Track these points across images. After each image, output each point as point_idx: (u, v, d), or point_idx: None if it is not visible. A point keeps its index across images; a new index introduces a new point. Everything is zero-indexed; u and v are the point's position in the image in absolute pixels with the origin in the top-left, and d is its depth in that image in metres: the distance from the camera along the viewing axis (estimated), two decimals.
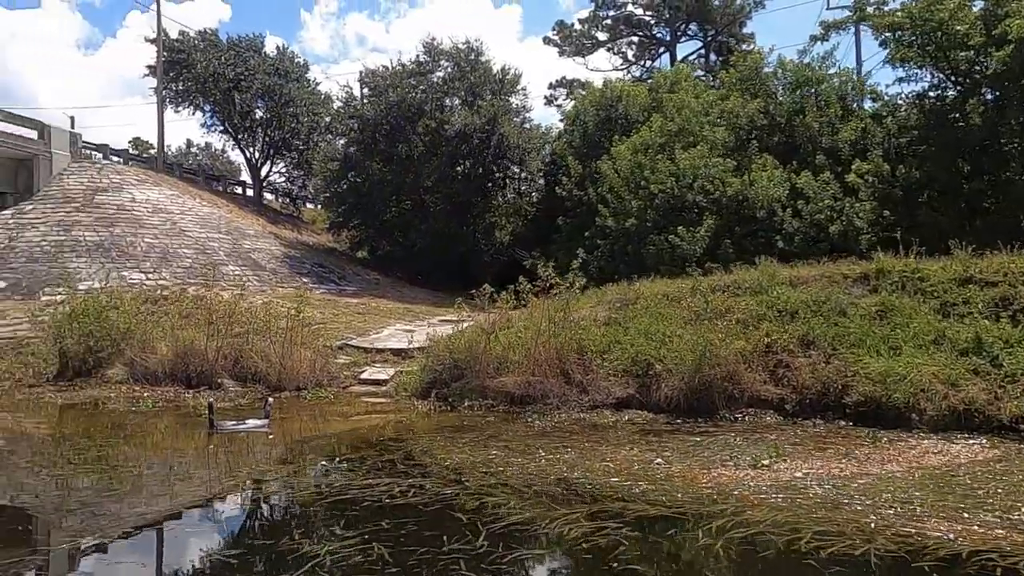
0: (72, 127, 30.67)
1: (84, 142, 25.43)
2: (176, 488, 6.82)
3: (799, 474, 6.00)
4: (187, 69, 30.34)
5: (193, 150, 56.00)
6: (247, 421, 8.69)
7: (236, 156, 56.58)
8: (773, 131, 20.57)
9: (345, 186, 27.14)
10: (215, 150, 60.98)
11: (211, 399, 9.02)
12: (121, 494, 6.56)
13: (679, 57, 37.23)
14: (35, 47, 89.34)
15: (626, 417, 8.94)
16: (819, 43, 21.38)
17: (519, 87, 28.15)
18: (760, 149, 19.52)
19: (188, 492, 6.45)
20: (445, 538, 4.49)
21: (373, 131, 26.33)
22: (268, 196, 35.13)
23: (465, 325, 13.43)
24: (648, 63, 39.53)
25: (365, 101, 27.53)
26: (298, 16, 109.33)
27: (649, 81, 28.63)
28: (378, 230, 27.76)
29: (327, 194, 29.37)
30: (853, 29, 24.58)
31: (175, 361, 12.33)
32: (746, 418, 8.75)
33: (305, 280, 22.17)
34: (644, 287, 12.07)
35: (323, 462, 6.56)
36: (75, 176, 23.26)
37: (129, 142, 47.90)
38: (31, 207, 21.66)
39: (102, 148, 27.87)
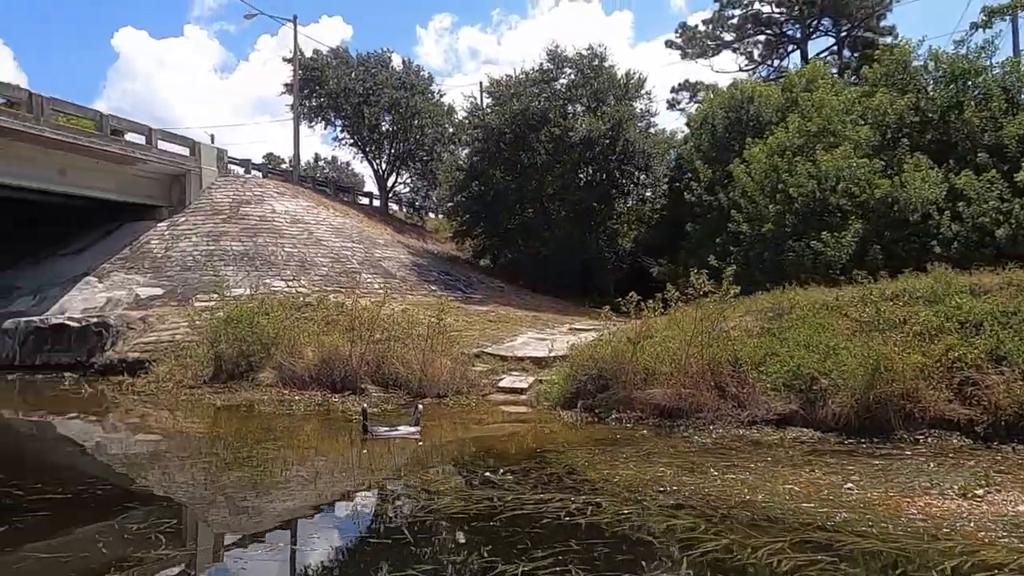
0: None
1: (229, 158, 26.99)
2: (330, 489, 6.90)
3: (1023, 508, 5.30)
4: (320, 86, 31.75)
5: (320, 163, 58.71)
6: (399, 427, 8.73)
7: (360, 168, 58.93)
8: (925, 128, 19.10)
9: (469, 195, 27.45)
10: (341, 163, 63.72)
11: (364, 404, 9.16)
12: (270, 492, 6.81)
13: (810, 54, 35.49)
14: (178, 74, 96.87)
15: (791, 435, 8.33)
16: (979, 31, 19.74)
17: (643, 91, 27.62)
18: (911, 148, 18.15)
19: (342, 494, 6.51)
20: (644, 564, 4.20)
21: (497, 140, 26.49)
22: (393, 206, 36.15)
23: (601, 333, 13.15)
24: (776, 62, 37.94)
25: (489, 110, 27.78)
26: (414, 32, 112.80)
27: (781, 80, 27.35)
28: (501, 238, 27.91)
29: (451, 203, 29.84)
30: (1010, 16, 22.64)
31: (320, 366, 12.69)
32: (929, 440, 7.94)
33: (433, 288, 22.52)
34: (799, 295, 11.33)
35: (487, 473, 6.40)
36: (222, 189, 24.71)
37: (263, 157, 50.83)
38: (183, 219, 23.16)
39: (244, 163, 29.53)
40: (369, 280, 21.62)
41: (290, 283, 20.19)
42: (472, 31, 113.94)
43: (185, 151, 24.32)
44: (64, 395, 13.98)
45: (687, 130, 29.73)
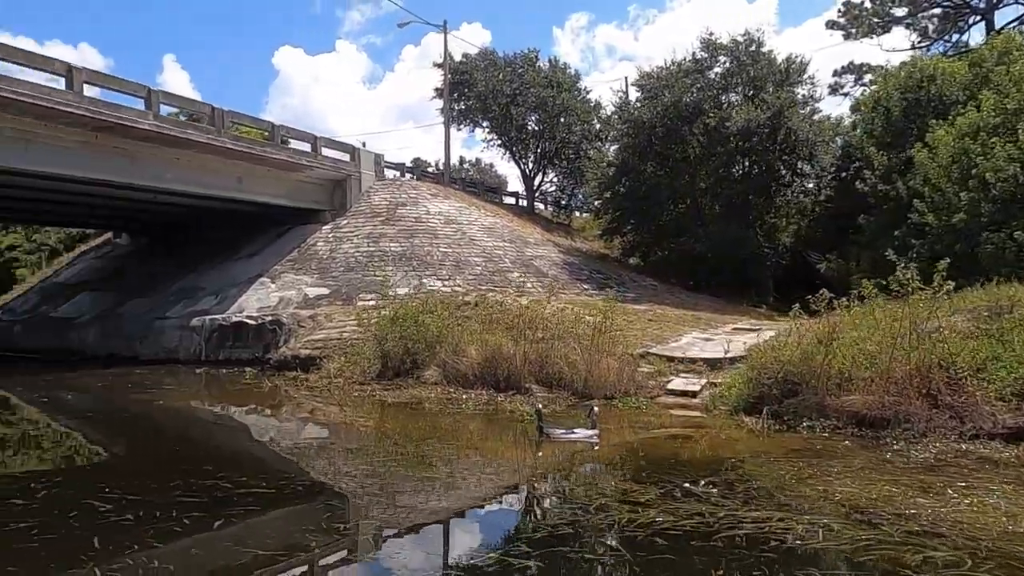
0: None
1: (384, 162, 27.97)
2: (508, 492, 6.68)
3: None
4: (469, 88, 32.29)
5: (465, 166, 60.13)
6: (576, 430, 8.40)
7: (504, 169, 59.79)
8: None
9: (618, 191, 26.86)
10: (484, 164, 64.92)
11: (539, 406, 8.91)
12: (436, 488, 6.83)
13: (998, 25, 31.89)
14: (331, 87, 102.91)
15: None
16: None
17: (805, 76, 25.89)
18: None
19: (523, 496, 6.26)
20: None
21: (647, 134, 25.73)
22: (539, 206, 36.18)
23: (775, 333, 12.24)
24: (955, 36, 34.47)
25: (638, 104, 27.06)
26: (550, 33, 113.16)
27: (966, 55, 24.69)
28: (652, 235, 27.12)
29: (599, 200, 29.37)
30: None
31: (483, 365, 12.64)
32: None
33: (585, 287, 22.15)
34: (1021, 292, 9.95)
35: (686, 484, 5.92)
36: (379, 193, 25.62)
37: (411, 162, 52.70)
38: (345, 222, 24.19)
39: (399, 167, 30.54)
40: (521, 279, 21.60)
41: (446, 282, 20.51)
42: (608, 28, 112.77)
43: (346, 157, 25.42)
44: (244, 389, 14.85)
45: (853, 116, 27.66)
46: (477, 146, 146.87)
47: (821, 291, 9.64)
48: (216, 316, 19.82)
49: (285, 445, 9.96)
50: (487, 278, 21.22)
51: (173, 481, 6.34)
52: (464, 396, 11.74)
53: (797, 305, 9.90)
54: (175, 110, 22.22)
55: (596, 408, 8.74)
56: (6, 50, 15.03)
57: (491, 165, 66.53)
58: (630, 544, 4.41)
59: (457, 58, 33.40)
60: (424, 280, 20.34)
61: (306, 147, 23.56)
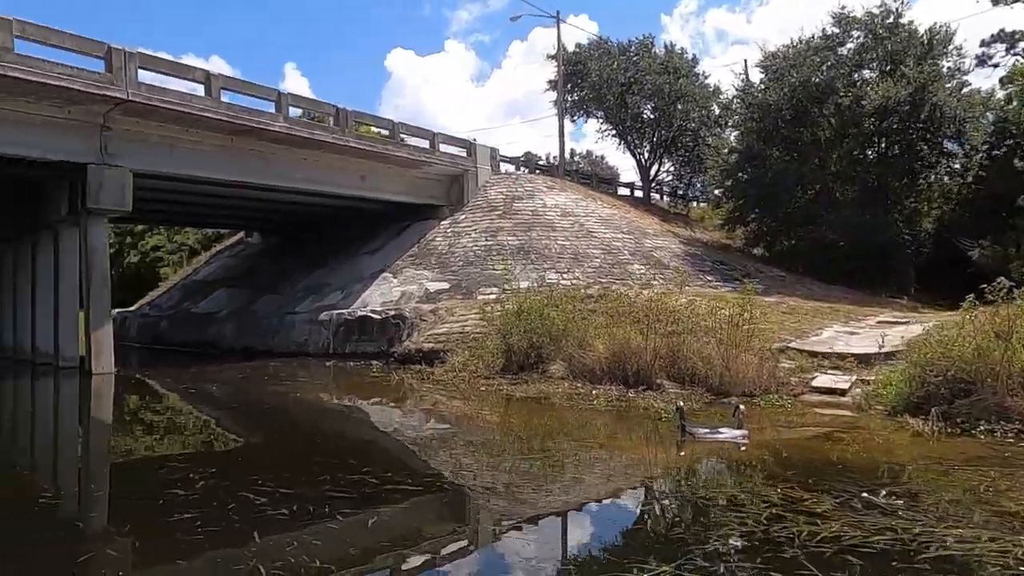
0: None
1: (500, 156, 27.99)
2: (652, 496, 6.28)
3: None
4: (582, 79, 31.84)
5: (576, 158, 59.67)
6: (722, 429, 7.89)
7: (615, 161, 58.80)
8: None
9: (742, 179, 25.69)
10: (595, 156, 64.25)
11: (680, 403, 8.44)
12: (558, 482, 6.67)
13: None
14: (440, 86, 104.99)
15: None
16: None
17: (951, 47, 23.78)
18: None
19: (668, 499, 5.85)
20: None
21: (773, 117, 24.45)
22: (654, 196, 35.28)
23: (919, 328, 11.23)
24: None
25: (762, 87, 25.75)
26: (658, 21, 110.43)
27: None
28: (779, 223, 25.76)
29: (721, 189, 28.23)
30: None
31: (611, 359, 12.24)
32: None
33: (709, 278, 21.28)
34: None
35: (864, 493, 5.34)
36: (495, 187, 25.65)
37: (522, 156, 52.76)
38: (463, 217, 24.36)
39: (514, 160, 30.51)
40: (641, 271, 21.01)
41: (564, 275, 20.23)
42: (719, 12, 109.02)
43: (462, 152, 25.61)
44: (371, 381, 15.12)
45: (1005, 88, 25.20)
46: (585, 139, 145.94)
47: (980, 282, 8.71)
48: (342, 311, 20.41)
49: (409, 437, 9.97)
50: (606, 270, 20.77)
51: (320, 475, 6.36)
52: (592, 391, 11.39)
53: (971, 296, 8.90)
54: (300, 112, 23.05)
55: (741, 407, 8.17)
56: (151, 60, 15.96)
57: (602, 157, 65.79)
58: (819, 562, 3.93)
59: (570, 48, 33.03)
60: (543, 273, 20.14)
61: (424, 143, 23.89)
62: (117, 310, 22.59)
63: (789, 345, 12.44)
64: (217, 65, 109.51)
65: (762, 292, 20.16)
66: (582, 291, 16.46)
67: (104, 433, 10.25)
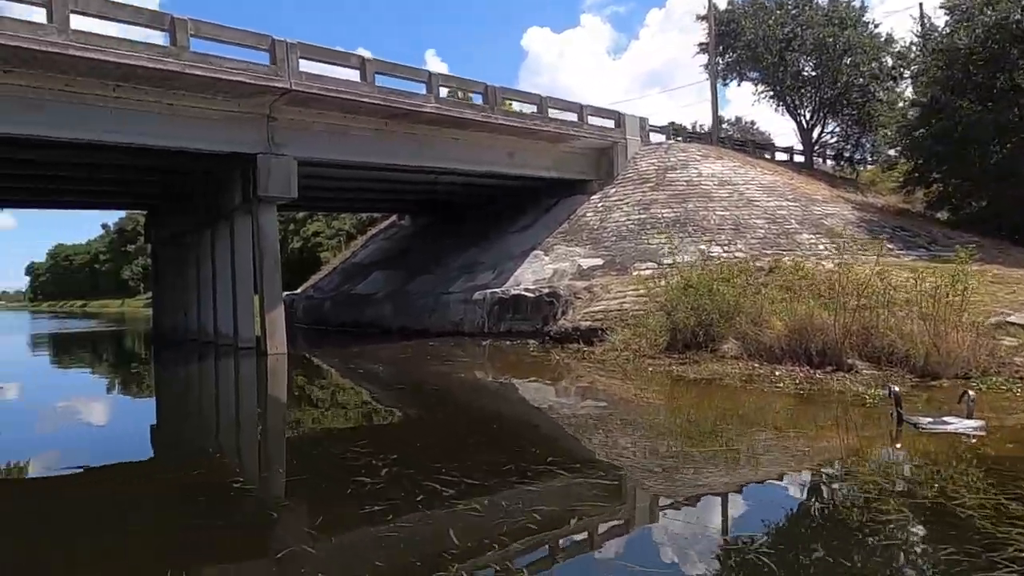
0: None
1: (649, 126, 26.87)
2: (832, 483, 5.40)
3: None
4: (735, 39, 29.91)
5: (724, 125, 56.78)
6: (948, 418, 6.83)
7: (765, 126, 55.42)
8: None
9: (924, 135, 23.06)
10: (745, 123, 60.99)
11: (895, 388, 7.40)
12: (729, 466, 6.15)
13: None
14: (577, 61, 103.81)
15: None
16: None
17: None
18: None
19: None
20: None
21: (963, 64, 21.68)
22: (816, 160, 32.72)
23: None
24: None
25: (947, 29, 22.92)
26: None
27: None
28: (970, 182, 22.94)
29: (897, 148, 25.59)
30: None
31: (791, 337, 11.19)
32: None
33: (889, 247, 19.21)
34: None
35: None
36: (646, 158, 24.65)
37: (667, 125, 50.90)
38: (613, 190, 23.61)
39: (664, 129, 29.24)
40: (812, 240, 19.39)
41: (726, 248, 19.05)
42: None
43: (610, 124, 24.80)
44: (529, 361, 14.86)
45: None
46: (729, 104, 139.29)
47: None
48: (495, 290, 20.37)
49: (564, 414, 9.51)
50: (772, 241, 19.35)
51: (480, 453, 6.11)
52: (772, 372, 10.45)
53: None
54: (447, 93, 23.12)
55: (971, 392, 7.03)
56: (311, 50, 16.40)
57: (752, 123, 62.31)
58: None
59: (721, 7, 31.10)
60: (701, 246, 19.04)
61: (572, 116, 23.29)
62: (285, 293, 23.83)
63: (1008, 319, 10.84)
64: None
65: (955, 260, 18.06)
66: (749, 264, 15.30)
67: (284, 413, 10.61)
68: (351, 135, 18.05)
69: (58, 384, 15.06)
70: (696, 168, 23.57)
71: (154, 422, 10.49)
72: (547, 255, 21.53)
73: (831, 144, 33.12)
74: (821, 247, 19.01)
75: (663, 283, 14.54)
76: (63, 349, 25.52)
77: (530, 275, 20.76)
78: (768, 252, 18.23)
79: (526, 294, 19.28)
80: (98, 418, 10.64)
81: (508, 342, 18.09)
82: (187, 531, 4.67)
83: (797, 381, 9.90)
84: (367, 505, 4.84)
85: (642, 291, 16.30)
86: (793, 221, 20.55)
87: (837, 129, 32.36)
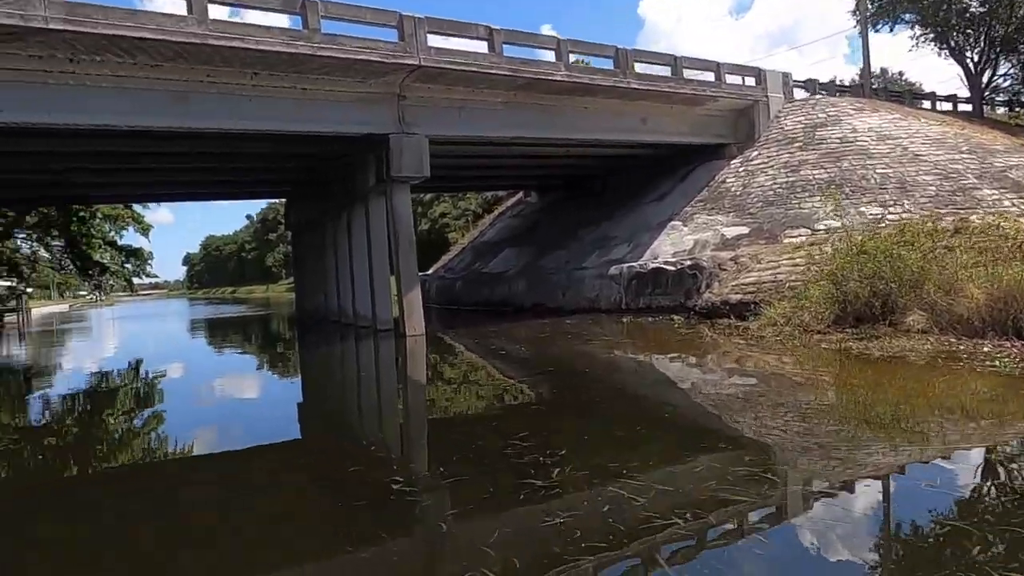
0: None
1: (792, 81, 24.79)
2: None
3: None
4: None
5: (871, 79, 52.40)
6: None
7: (916, 77, 50.41)
8: None
9: None
10: (892, 74, 56.01)
11: None
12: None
13: None
14: (696, 25, 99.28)
15: None
16: None
17: None
18: None
19: None
20: None
21: None
22: (985, 108, 29.21)
23: None
24: None
25: None
26: None
27: None
28: None
29: None
30: None
31: (994, 307, 9.67)
32: None
33: None
34: None
35: None
36: (790, 116, 22.74)
37: (809, 80, 47.37)
38: (755, 153, 21.94)
39: (808, 85, 26.97)
40: (995, 196, 17.11)
41: (891, 209, 17.15)
42: None
43: (750, 81, 23.05)
44: (671, 338, 13.91)
45: None
46: (872, 57, 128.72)
47: None
48: (632, 264, 19.43)
49: (707, 393, 8.53)
50: (946, 199, 17.24)
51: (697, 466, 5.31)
52: (975, 347, 9.01)
53: None
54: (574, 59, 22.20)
55: None
56: (437, 24, 16.01)
57: (900, 74, 57.21)
58: None
59: None
60: (862, 209, 17.27)
61: (708, 76, 21.79)
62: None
63: None
64: None
65: None
66: (931, 224, 13.55)
67: (431, 399, 10.30)
68: (479, 109, 17.59)
69: (217, 364, 15.80)
70: (849, 123, 21.46)
71: (302, 401, 10.49)
72: (686, 225, 20.31)
73: (1004, 88, 29.44)
74: (1007, 203, 16.73)
75: (827, 249, 13.13)
76: (219, 332, 27.01)
77: (668, 247, 19.66)
78: (943, 211, 16.22)
79: (666, 267, 18.22)
80: (253, 396, 10.79)
81: (649, 319, 17.18)
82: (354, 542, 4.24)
83: (1013, 358, 8.44)
84: (545, 518, 4.22)
85: (798, 260, 14.91)
86: (970, 176, 18.23)
87: (1012, 71, 28.70)
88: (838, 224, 15.41)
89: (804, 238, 17.11)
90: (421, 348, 15.21)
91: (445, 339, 17.17)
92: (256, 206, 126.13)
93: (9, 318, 48.22)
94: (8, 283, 50.21)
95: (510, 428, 6.99)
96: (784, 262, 15.06)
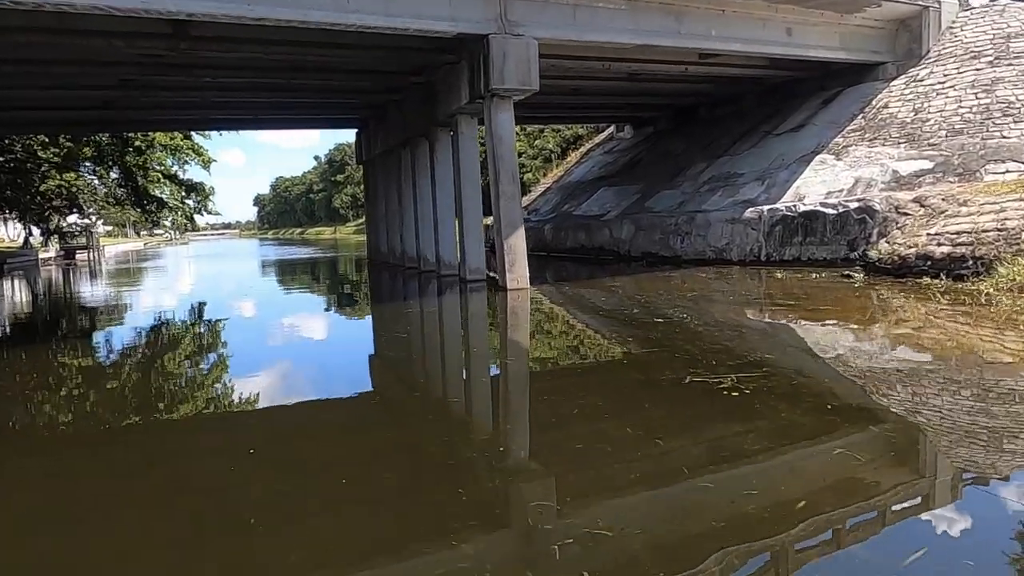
0: None
1: None
2: None
3: None
4: None
5: None
6: None
7: None
8: None
9: None
10: None
11: None
12: None
13: None
14: None
15: None
16: None
17: None
18: None
19: None
20: None
21: None
22: None
23: None
24: None
25: None
26: None
27: None
28: None
29: None
30: None
31: None
32: None
33: None
34: None
35: None
36: (970, 27, 18.42)
37: None
38: (925, 72, 17.84)
39: None
40: None
41: None
42: None
43: None
44: (847, 298, 10.52)
45: None
46: None
47: None
48: (776, 205, 15.93)
49: (858, 366, 5.31)
50: None
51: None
52: None
53: None
54: None
55: None
56: None
57: None
58: None
59: None
60: None
61: None
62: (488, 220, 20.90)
63: None
64: None
65: None
66: None
67: (546, 375, 7.32)
68: (597, 8, 14.14)
69: (293, 305, 14.42)
70: None
71: (389, 366, 7.68)
72: (839, 160, 16.58)
73: None
74: None
75: None
76: (290, 274, 24.87)
77: (819, 186, 16.04)
78: None
79: (823, 210, 14.69)
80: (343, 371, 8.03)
81: (797, 273, 13.77)
82: None
83: None
84: None
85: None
86: None
87: None
88: None
89: (1015, 174, 13.34)
90: (525, 307, 12.17)
91: (544, 294, 13.91)
92: (324, 147, 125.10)
93: (80, 255, 47.69)
94: (78, 219, 49.46)
95: (648, 422, 4.00)
96: (1011, 203, 11.38)
